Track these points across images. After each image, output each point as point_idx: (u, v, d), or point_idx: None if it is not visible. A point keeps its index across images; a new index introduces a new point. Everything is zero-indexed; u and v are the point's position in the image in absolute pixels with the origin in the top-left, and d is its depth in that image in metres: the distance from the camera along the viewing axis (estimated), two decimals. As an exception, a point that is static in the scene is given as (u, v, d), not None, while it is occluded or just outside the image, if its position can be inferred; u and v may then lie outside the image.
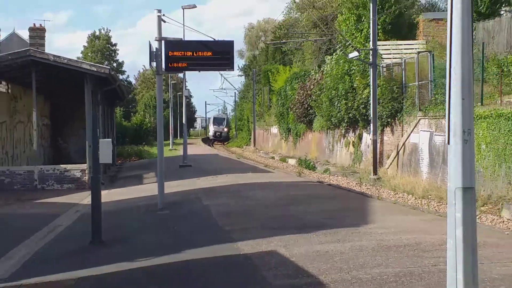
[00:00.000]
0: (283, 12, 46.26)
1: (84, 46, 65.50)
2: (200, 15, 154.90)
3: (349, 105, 23.35)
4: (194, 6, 29.89)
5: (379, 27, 24.08)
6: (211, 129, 68.32)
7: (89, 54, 63.16)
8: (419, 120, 19.27)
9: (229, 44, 13.98)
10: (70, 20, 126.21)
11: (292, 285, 7.23)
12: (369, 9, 22.43)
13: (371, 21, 21.40)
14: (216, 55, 13.34)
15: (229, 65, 13.98)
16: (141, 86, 68.05)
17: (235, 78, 69.21)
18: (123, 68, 67.63)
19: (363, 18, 26.27)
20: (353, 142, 24.86)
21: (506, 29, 19.13)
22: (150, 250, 9.62)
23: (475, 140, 5.62)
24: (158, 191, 14.14)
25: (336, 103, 24.67)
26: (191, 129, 78.03)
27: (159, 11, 14.22)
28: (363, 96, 22.09)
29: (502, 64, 17.20)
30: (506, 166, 14.17)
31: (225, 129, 66.72)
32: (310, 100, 29.19)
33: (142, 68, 74.45)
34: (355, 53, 22.13)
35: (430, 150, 18.20)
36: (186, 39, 18.60)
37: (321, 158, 29.06)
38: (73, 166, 20.68)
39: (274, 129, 42.13)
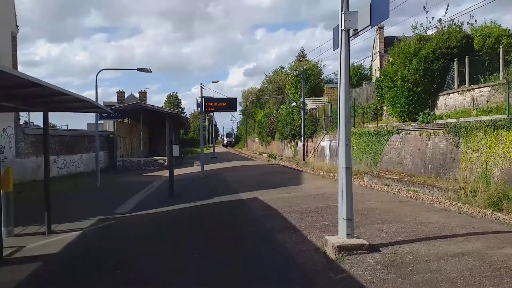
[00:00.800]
0: (260, 83, 76.19)
1: (165, 101, 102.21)
2: (221, 84, 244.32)
3: (292, 128, 37.94)
4: (218, 81, 62.26)
5: (306, 91, 38.73)
6: (225, 139, 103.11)
7: (167, 104, 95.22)
8: (324, 135, 29.76)
9: (235, 99, 22.76)
10: (159, 88, 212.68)
11: (265, 213, 11.00)
12: (301, 83, 36.28)
13: (302, 89, 35.47)
14: (228, 104, 22.11)
15: (235, 110, 22.83)
16: (192, 119, 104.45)
17: (237, 115, 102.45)
18: (184, 111, 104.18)
19: (298, 87, 41.67)
20: (294, 145, 38.94)
21: (365, 92, 29.90)
22: (198, 198, 14.73)
23: (351, 144, 7.46)
24: (200, 169, 23.58)
25: (285, 127, 39.79)
26: (216, 139, 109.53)
27: (201, 83, 24.46)
28: (298, 124, 35.80)
29: (363, 108, 27.70)
30: (365, 157, 22.36)
31: (233, 140, 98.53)
32: (273, 126, 46.76)
33: (194, 110, 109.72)
34: (294, 103, 37.20)
35: (330, 149, 27.95)
36: (214, 96, 28.84)
37: (278, 153, 44.60)
38: (160, 157, 32.89)
39: (256, 140, 65.16)
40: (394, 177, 17.81)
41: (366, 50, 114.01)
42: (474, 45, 20.29)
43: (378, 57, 37.85)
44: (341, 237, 7.14)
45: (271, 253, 7.53)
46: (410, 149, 18.39)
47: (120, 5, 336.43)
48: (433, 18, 78.02)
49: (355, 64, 46.00)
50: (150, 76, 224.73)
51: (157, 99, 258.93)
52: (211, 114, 74.36)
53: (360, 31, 7.27)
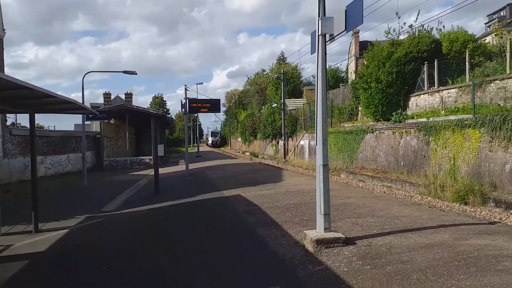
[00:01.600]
0: (243, 85, 76.12)
1: (151, 102, 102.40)
2: (205, 85, 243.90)
3: (273, 128, 38.15)
4: (202, 83, 50.40)
5: (286, 93, 39.28)
6: (210, 139, 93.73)
7: (153, 105, 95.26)
8: (303, 134, 30.11)
9: (218, 101, 22.61)
10: (145, 89, 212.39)
11: (247, 208, 11.06)
12: (281, 85, 36.91)
13: (282, 91, 36.03)
14: (212, 105, 22.03)
15: (218, 110, 22.78)
16: (177, 120, 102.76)
17: (220, 115, 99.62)
18: (170, 111, 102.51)
19: (279, 88, 42.40)
20: (275, 144, 39.14)
21: (342, 93, 30.50)
22: (182, 196, 14.59)
23: (328, 143, 7.57)
24: (185, 168, 23.30)
25: (267, 127, 39.85)
26: (201, 139, 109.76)
27: (186, 85, 24.26)
28: (279, 124, 36.12)
29: (340, 109, 28.13)
30: (342, 155, 22.62)
31: (219, 139, 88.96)
32: (255, 126, 46.71)
33: (179, 111, 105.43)
34: (275, 104, 37.47)
35: (309, 147, 28.20)
36: (198, 98, 29.65)
37: (260, 152, 44.24)
38: (145, 157, 32.76)
39: (239, 139, 63.81)
40: (369, 174, 18.06)
41: (342, 53, 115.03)
42: (443, 49, 20.67)
43: (353, 61, 38.29)
44: (319, 231, 7.19)
45: (252, 247, 7.56)
46: (383, 147, 18.65)
47: (107, 10, 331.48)
48: (404, 23, 79.23)
49: (332, 67, 46.23)
50: (136, 78, 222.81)
51: (143, 100, 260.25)
52: (196, 114, 74.92)
53: (336, 36, 7.32)
